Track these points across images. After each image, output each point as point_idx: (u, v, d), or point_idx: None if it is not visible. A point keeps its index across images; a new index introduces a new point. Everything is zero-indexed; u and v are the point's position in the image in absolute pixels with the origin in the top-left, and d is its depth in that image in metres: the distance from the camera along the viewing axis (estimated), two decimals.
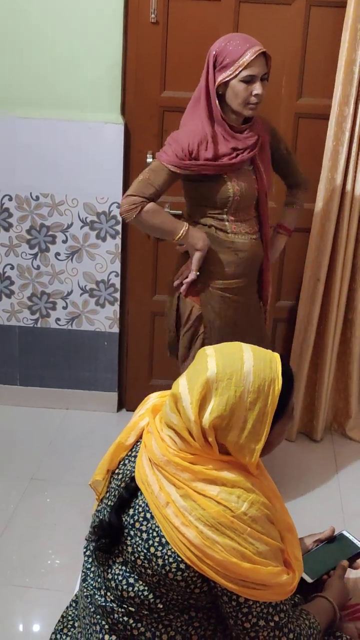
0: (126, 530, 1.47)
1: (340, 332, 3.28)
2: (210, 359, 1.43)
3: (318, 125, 3.04)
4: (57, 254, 3.33)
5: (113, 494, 1.54)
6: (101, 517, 1.54)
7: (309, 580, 1.74)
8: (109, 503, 1.54)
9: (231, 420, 1.40)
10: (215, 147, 2.36)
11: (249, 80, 2.29)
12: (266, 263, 2.61)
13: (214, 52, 2.33)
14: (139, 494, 1.48)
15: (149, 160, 3.14)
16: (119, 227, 3.26)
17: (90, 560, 1.60)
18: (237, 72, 2.28)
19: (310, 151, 3.08)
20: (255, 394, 1.40)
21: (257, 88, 2.29)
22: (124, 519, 1.48)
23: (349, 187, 3.03)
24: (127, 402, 3.57)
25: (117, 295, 3.38)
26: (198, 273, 2.46)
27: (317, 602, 1.64)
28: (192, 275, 2.46)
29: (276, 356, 1.47)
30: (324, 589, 1.71)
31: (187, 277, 2.48)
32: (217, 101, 2.35)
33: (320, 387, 3.32)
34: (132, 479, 1.51)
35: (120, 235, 3.28)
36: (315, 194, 3.04)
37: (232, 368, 1.41)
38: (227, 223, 2.46)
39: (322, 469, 3.21)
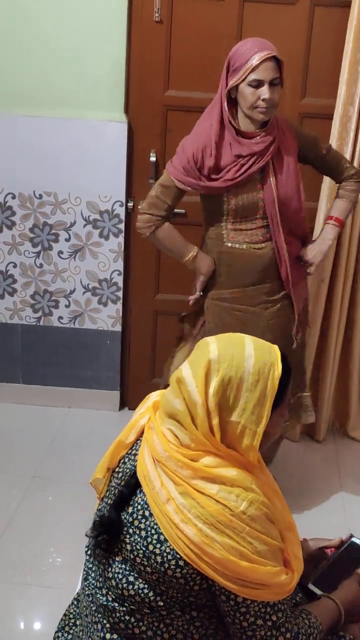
0: (125, 529, 1.47)
1: (343, 332, 3.28)
2: (212, 345, 1.46)
3: (322, 125, 3.03)
4: (60, 252, 3.33)
5: (113, 492, 1.54)
6: (100, 514, 1.55)
7: (318, 592, 1.72)
8: (109, 502, 1.54)
9: (235, 400, 1.41)
10: (218, 154, 2.36)
11: (256, 85, 2.28)
12: (284, 272, 2.52)
13: (229, 56, 2.33)
14: (138, 491, 1.48)
15: (152, 159, 3.14)
16: (121, 226, 3.26)
17: (91, 559, 1.60)
18: (244, 76, 2.28)
19: None
20: (256, 376, 1.42)
21: (264, 92, 2.28)
22: (123, 516, 1.48)
23: None
24: (129, 401, 3.57)
25: (120, 293, 3.38)
26: (201, 293, 2.56)
27: (321, 601, 1.64)
28: (195, 295, 2.57)
29: (274, 346, 1.50)
30: (338, 589, 1.70)
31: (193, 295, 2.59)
32: (226, 105, 2.35)
33: (323, 387, 3.31)
34: (133, 475, 1.51)
35: (123, 234, 3.28)
36: (319, 193, 3.04)
37: (233, 351, 1.44)
38: (224, 232, 2.47)
39: (325, 470, 3.21)
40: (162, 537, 1.41)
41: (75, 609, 1.73)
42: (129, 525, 1.46)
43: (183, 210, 3.19)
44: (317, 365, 3.31)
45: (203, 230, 2.58)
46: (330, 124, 2.98)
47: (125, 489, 1.49)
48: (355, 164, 3.00)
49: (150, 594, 1.45)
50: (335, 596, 1.65)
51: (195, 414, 1.43)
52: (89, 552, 1.62)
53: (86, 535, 1.58)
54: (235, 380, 1.41)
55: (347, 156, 2.98)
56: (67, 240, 3.31)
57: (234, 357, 1.43)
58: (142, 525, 1.44)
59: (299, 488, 3.03)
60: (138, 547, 1.44)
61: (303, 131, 2.59)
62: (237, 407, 1.42)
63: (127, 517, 1.47)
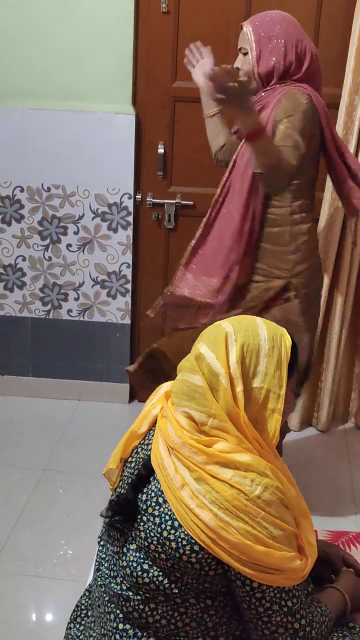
0: (139, 516, 1.47)
1: (349, 322, 3.26)
2: (224, 323, 1.53)
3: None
4: (69, 245, 3.33)
5: (126, 482, 1.55)
6: (117, 494, 1.55)
7: None
8: (122, 492, 1.55)
9: (255, 366, 1.45)
10: None
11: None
12: None
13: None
14: (151, 479, 1.49)
15: (161, 151, 3.14)
16: (130, 218, 3.26)
17: (104, 549, 1.61)
18: None
19: None
20: (272, 342, 1.48)
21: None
22: (138, 503, 1.49)
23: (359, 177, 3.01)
24: (139, 394, 3.57)
25: (129, 286, 3.38)
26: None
27: (328, 592, 1.65)
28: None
29: (279, 326, 1.58)
30: (337, 579, 1.71)
31: None
32: None
33: (326, 378, 3.30)
34: (146, 463, 1.51)
35: (131, 227, 3.27)
36: (324, 183, 3.02)
37: (245, 323, 1.51)
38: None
39: (334, 461, 3.21)
40: (176, 523, 1.42)
41: (87, 600, 1.73)
42: (143, 512, 1.47)
43: (192, 202, 3.19)
44: (321, 355, 3.29)
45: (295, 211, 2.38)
46: (336, 114, 2.96)
47: (144, 470, 1.51)
48: None
49: (165, 581, 1.45)
50: (338, 586, 1.65)
51: (217, 385, 1.44)
52: (101, 543, 1.63)
53: (101, 515, 1.58)
54: (253, 346, 1.46)
55: (352, 145, 2.98)
56: (76, 233, 3.30)
57: (248, 327, 1.49)
58: (156, 512, 1.45)
59: (308, 479, 3.03)
60: (152, 534, 1.44)
61: None
62: (259, 373, 1.45)
63: (141, 505, 1.48)
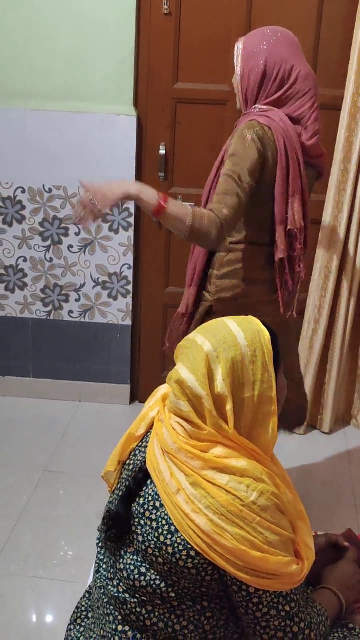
0: (136, 520, 1.47)
1: (351, 324, 3.26)
2: (199, 338, 1.48)
3: (330, 117, 3.01)
4: (70, 246, 3.33)
5: (124, 484, 1.55)
6: (110, 508, 1.55)
7: None
8: (119, 494, 1.55)
9: (243, 377, 1.44)
10: None
11: None
12: None
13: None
14: (148, 482, 1.49)
15: (162, 152, 3.14)
16: (131, 220, 3.26)
17: (102, 551, 1.61)
18: None
19: (322, 142, 3.06)
20: (253, 347, 1.45)
21: None
22: (134, 508, 1.49)
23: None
24: (140, 395, 3.58)
25: (130, 287, 3.38)
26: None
27: (319, 592, 1.63)
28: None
29: (250, 316, 1.55)
30: (324, 577, 1.69)
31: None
32: None
33: (329, 380, 3.30)
34: (140, 470, 1.52)
35: (132, 228, 3.28)
36: (327, 185, 3.02)
37: (222, 334, 1.47)
38: None
39: (335, 463, 3.21)
40: (173, 528, 1.42)
41: (87, 601, 1.73)
42: (140, 516, 1.47)
43: (193, 203, 3.19)
44: (325, 357, 3.30)
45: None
46: (339, 115, 2.96)
47: (134, 484, 1.50)
48: None
49: (162, 585, 1.45)
50: (330, 585, 1.65)
51: (202, 408, 1.43)
52: (100, 545, 1.63)
53: (98, 530, 1.59)
54: (238, 359, 1.44)
55: (356, 147, 2.97)
56: (77, 234, 3.31)
57: (225, 339, 1.45)
58: (153, 517, 1.45)
59: (308, 481, 3.03)
60: (149, 538, 1.44)
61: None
62: (247, 382, 1.44)
63: (138, 508, 1.48)
